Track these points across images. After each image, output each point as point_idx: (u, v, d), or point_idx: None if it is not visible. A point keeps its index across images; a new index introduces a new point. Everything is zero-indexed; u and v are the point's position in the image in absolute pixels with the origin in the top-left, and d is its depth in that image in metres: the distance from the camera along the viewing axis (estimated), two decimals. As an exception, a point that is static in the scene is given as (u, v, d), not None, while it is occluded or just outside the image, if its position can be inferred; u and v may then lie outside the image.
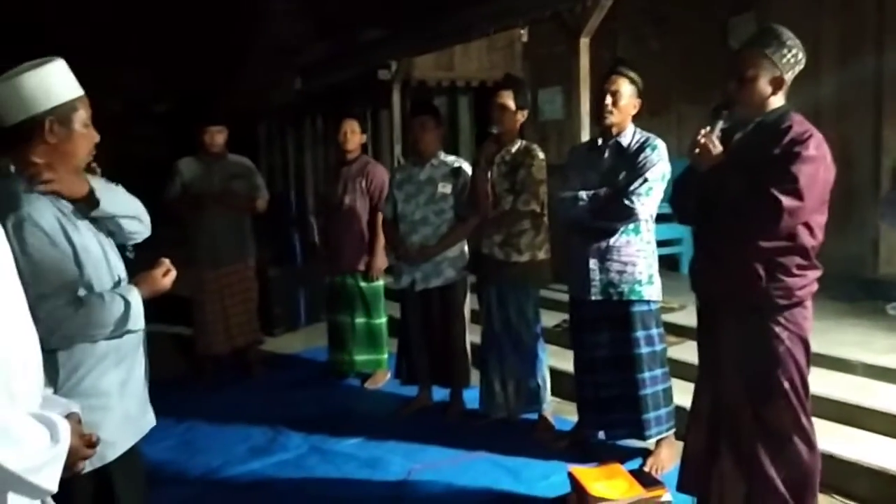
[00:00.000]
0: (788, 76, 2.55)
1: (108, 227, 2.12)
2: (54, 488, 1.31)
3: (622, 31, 7.06)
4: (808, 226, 2.50)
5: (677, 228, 6.33)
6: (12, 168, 1.95)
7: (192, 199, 4.97)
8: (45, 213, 1.91)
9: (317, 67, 8.97)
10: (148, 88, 8.24)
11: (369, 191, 4.84)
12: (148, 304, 2.11)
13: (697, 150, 2.56)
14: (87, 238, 2.00)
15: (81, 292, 1.95)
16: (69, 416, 1.48)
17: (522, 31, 8.53)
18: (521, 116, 3.97)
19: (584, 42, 5.53)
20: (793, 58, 2.53)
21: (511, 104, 3.91)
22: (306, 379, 5.24)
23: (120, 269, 2.12)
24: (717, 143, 2.55)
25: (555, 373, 4.21)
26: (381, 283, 4.99)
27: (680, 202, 2.80)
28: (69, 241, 1.93)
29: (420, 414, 4.38)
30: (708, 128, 2.57)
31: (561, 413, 4.16)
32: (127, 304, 2.00)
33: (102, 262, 2.04)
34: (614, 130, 3.47)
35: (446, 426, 4.17)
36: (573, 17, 5.57)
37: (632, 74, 3.45)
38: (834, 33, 5.82)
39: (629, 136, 3.47)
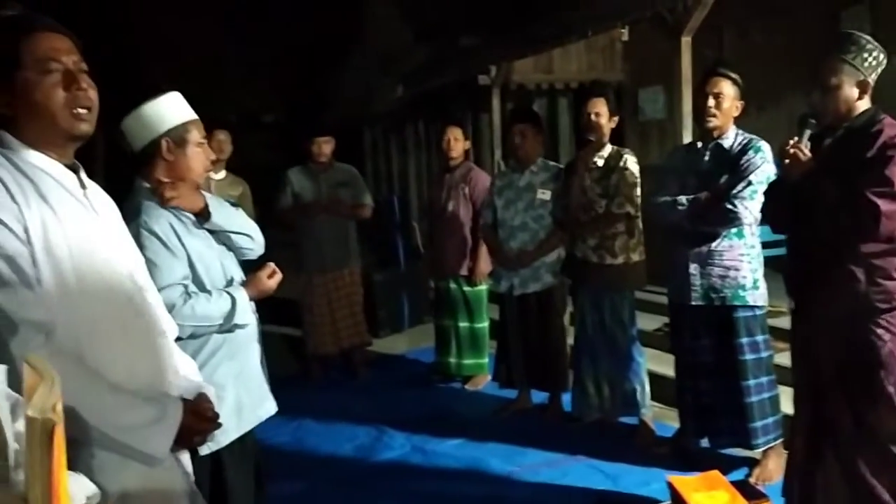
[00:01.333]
0: (872, 78, 2.55)
1: (222, 238, 2.37)
2: (161, 455, 1.52)
3: (727, 27, 6.86)
4: None
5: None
6: (145, 184, 2.26)
7: (301, 207, 5.21)
8: (159, 220, 2.19)
9: (418, 74, 9.14)
10: (257, 101, 8.70)
11: (472, 197, 4.93)
12: (260, 305, 2.37)
13: (787, 161, 2.56)
14: (202, 244, 2.27)
15: (192, 289, 2.20)
16: (199, 396, 1.71)
17: (622, 31, 8.40)
18: (613, 122, 3.99)
19: (686, 41, 5.41)
20: (874, 60, 2.53)
21: (604, 111, 3.93)
22: (410, 380, 5.40)
23: (234, 273, 2.36)
24: (806, 151, 2.56)
25: (656, 377, 4.17)
26: (483, 287, 5.06)
27: (772, 211, 2.81)
28: (182, 245, 2.20)
29: (519, 416, 4.44)
30: (796, 137, 2.58)
31: (662, 419, 4.11)
32: (233, 300, 2.24)
33: (216, 265, 2.29)
34: (715, 133, 3.41)
35: (545, 429, 4.20)
36: (674, 16, 5.47)
37: (733, 75, 3.39)
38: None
39: (731, 137, 3.41)
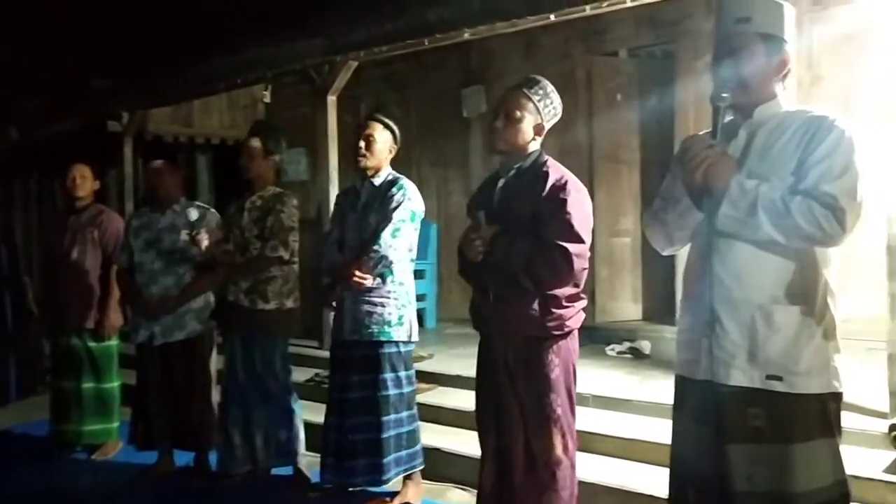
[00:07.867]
0: (548, 124, 2.77)
1: None
2: None
3: (365, 97, 7.31)
4: None
5: (422, 284, 6.58)
6: None
7: None
8: None
9: (36, 117, 8.16)
10: None
11: (102, 242, 4.45)
12: None
13: (463, 245, 2.71)
14: None
15: None
16: None
17: (265, 93, 8.50)
18: (273, 162, 3.92)
19: (332, 100, 5.67)
20: (552, 109, 2.76)
21: (258, 148, 3.85)
22: (19, 456, 4.57)
23: None
24: None
25: (311, 427, 4.06)
26: (113, 342, 4.53)
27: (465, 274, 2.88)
28: None
29: (161, 481, 3.98)
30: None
31: (317, 467, 3.99)
32: None
33: None
34: (369, 173, 3.53)
35: (193, 491, 3.83)
36: (321, 75, 5.70)
37: (387, 121, 3.55)
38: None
39: (382, 176, 3.55)
